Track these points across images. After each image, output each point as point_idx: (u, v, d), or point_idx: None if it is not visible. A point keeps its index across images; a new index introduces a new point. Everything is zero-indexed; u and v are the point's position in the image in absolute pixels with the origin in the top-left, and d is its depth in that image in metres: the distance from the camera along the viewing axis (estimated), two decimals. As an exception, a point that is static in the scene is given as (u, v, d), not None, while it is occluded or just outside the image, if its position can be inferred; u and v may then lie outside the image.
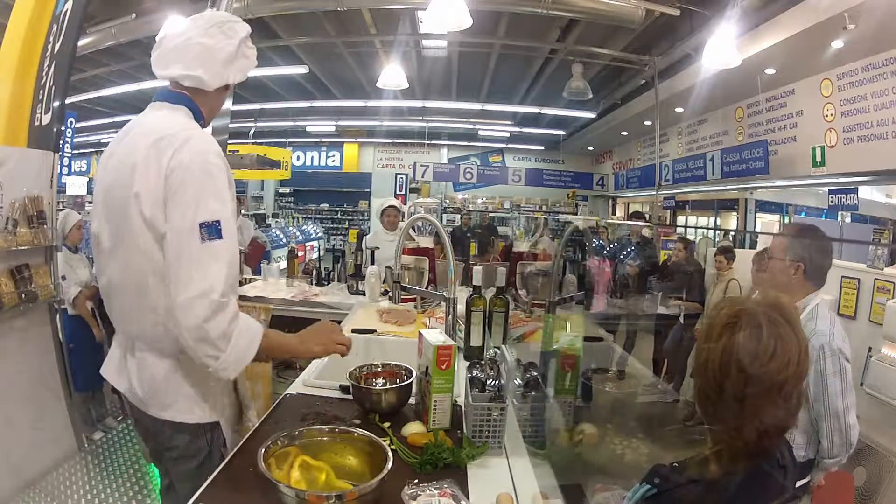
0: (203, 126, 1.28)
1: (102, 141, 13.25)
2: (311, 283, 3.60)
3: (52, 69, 2.78)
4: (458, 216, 11.82)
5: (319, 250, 9.93)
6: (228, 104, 3.55)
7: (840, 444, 1.58)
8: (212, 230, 1.09)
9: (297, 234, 9.52)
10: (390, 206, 4.11)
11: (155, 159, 1.12)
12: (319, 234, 10.65)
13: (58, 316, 3.00)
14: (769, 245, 1.83)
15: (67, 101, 3.04)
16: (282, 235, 8.66)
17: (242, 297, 3.14)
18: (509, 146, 13.76)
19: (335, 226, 13.59)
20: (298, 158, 13.62)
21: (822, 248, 1.72)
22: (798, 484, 1.61)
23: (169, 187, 1.11)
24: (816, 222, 7.32)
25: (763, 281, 1.81)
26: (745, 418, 0.80)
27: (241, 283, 3.31)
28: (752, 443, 0.81)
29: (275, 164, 8.47)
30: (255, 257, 5.93)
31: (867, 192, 6.24)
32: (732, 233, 8.52)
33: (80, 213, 3.76)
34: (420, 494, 0.99)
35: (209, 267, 1.08)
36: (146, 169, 1.12)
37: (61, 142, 3.89)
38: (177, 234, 1.09)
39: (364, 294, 3.15)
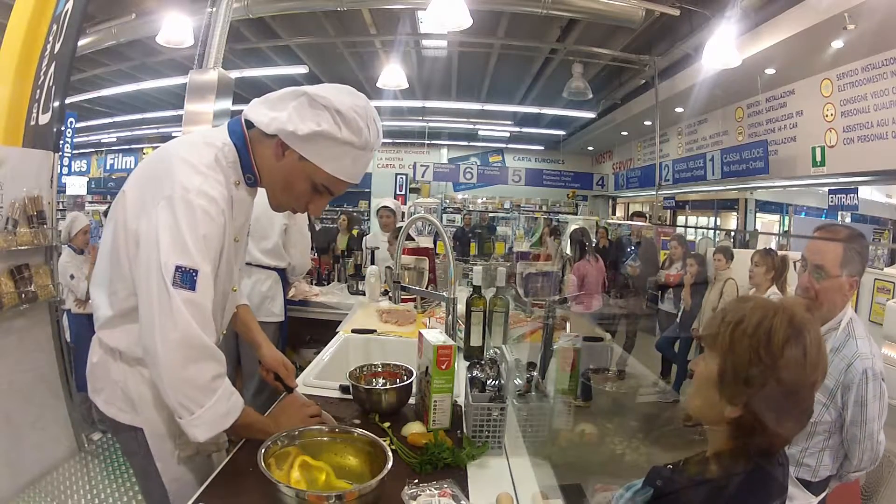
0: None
1: (103, 141, 13.25)
2: (311, 283, 3.60)
3: (51, 69, 2.77)
4: (459, 216, 11.82)
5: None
6: (228, 104, 3.56)
7: (869, 459, 1.57)
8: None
9: (297, 234, 9.50)
10: (382, 207, 4.10)
11: None
12: (319, 234, 10.63)
13: (65, 315, 3.01)
14: (816, 259, 1.49)
15: (67, 101, 3.03)
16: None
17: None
18: (509, 146, 13.75)
19: (335, 226, 13.57)
20: (299, 158, 13.59)
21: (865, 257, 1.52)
22: (818, 499, 1.59)
23: None
24: (816, 222, 7.33)
25: (814, 305, 1.50)
26: (778, 422, 0.80)
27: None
28: (773, 445, 0.82)
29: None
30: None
31: (867, 192, 6.25)
32: (734, 233, 8.51)
33: (86, 216, 3.79)
34: (420, 494, 0.99)
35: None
36: None
37: (61, 142, 3.88)
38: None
39: (364, 294, 3.15)
